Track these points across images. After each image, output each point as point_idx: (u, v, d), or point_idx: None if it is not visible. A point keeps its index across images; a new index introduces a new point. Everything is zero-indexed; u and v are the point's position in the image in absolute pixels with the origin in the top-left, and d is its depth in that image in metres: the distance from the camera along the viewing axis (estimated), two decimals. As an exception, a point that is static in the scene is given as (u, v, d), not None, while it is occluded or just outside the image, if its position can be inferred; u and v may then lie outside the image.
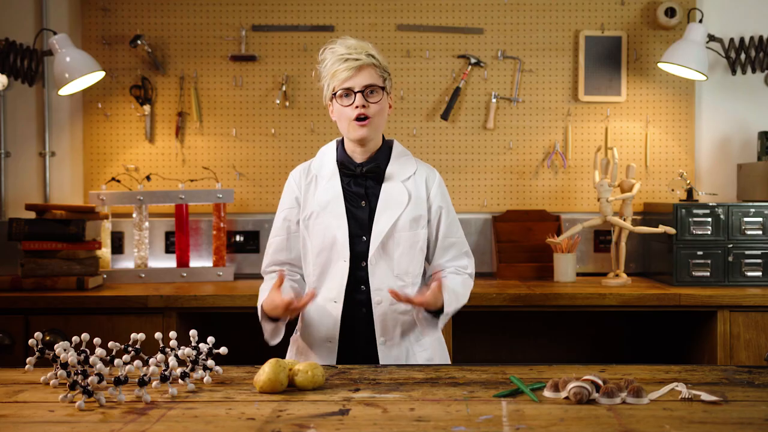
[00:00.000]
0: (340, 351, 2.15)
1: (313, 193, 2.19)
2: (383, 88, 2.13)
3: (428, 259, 2.27)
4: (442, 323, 2.15)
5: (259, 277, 2.34)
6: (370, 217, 2.15)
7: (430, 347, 2.21)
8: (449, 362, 2.29)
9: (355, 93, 2.09)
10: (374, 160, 2.18)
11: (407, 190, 2.18)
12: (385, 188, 2.17)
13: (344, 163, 2.18)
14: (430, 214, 2.21)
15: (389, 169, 2.19)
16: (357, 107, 2.09)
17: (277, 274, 2.13)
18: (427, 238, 2.22)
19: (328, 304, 2.15)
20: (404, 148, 2.27)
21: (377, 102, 2.11)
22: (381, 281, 2.14)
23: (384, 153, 2.21)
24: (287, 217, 2.23)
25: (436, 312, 2.11)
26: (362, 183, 2.18)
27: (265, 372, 1.65)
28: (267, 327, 2.15)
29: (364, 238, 2.15)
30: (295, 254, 2.25)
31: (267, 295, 2.10)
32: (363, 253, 2.15)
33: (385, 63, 2.15)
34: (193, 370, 1.76)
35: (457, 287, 2.18)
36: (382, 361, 2.14)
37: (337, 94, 2.11)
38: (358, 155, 2.18)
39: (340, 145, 2.22)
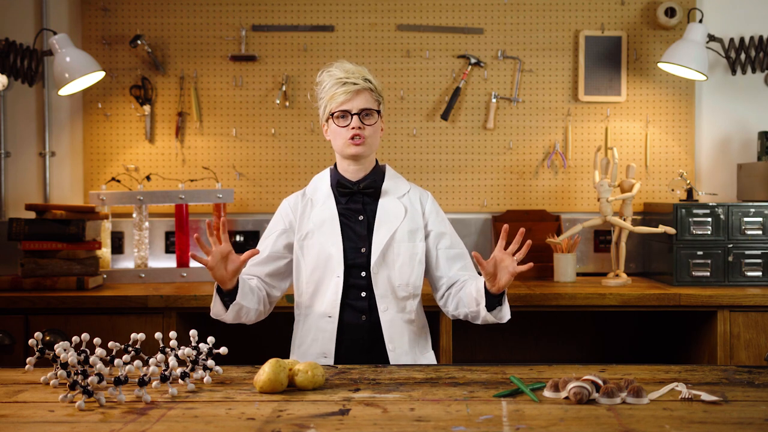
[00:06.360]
0: (338, 363, 2.16)
1: (308, 215, 2.24)
2: (378, 112, 2.20)
3: (435, 274, 2.27)
4: (499, 313, 2.11)
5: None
6: (369, 230, 2.20)
7: (432, 359, 2.26)
8: None
9: (352, 115, 2.15)
10: (370, 177, 2.24)
11: (403, 205, 2.24)
12: (382, 203, 2.23)
13: (340, 182, 2.23)
14: (427, 229, 2.26)
15: (385, 186, 2.26)
16: (353, 128, 2.15)
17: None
18: (427, 253, 2.25)
19: (321, 320, 2.17)
20: (396, 172, 2.33)
21: (372, 125, 2.18)
22: (385, 289, 2.17)
23: (378, 173, 2.27)
24: (280, 236, 2.25)
25: (496, 298, 2.07)
26: (359, 200, 2.23)
27: (265, 372, 1.65)
28: (218, 302, 2.13)
29: (363, 249, 2.18)
30: (274, 273, 2.25)
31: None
32: (362, 264, 2.18)
33: (379, 87, 2.22)
34: (193, 370, 1.76)
35: None
36: None
37: (335, 115, 2.17)
38: (352, 174, 2.24)
39: (334, 170, 2.28)
